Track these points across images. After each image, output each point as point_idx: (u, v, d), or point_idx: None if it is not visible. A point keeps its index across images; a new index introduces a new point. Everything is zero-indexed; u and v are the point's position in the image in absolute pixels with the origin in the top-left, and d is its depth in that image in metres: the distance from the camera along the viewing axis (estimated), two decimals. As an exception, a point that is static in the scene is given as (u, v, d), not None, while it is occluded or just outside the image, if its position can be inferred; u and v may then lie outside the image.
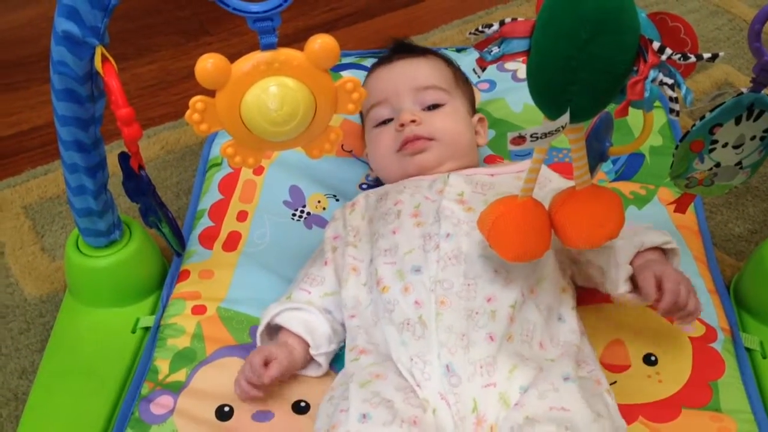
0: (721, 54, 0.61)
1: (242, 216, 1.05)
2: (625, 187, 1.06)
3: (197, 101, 0.68)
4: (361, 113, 1.08)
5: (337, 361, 0.89)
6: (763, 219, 1.07)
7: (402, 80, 1.00)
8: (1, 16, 1.58)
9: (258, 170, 1.10)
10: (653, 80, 0.62)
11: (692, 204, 1.03)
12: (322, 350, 0.85)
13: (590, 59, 0.61)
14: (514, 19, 0.66)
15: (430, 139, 0.95)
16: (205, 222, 1.04)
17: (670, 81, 0.62)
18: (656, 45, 0.62)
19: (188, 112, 0.68)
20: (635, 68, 0.62)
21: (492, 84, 1.24)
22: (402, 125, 0.96)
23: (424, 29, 1.46)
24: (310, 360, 0.87)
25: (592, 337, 0.87)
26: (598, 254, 0.84)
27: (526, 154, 1.07)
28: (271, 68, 0.67)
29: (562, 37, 0.61)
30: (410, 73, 1.01)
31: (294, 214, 1.06)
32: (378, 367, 0.79)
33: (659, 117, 1.16)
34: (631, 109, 0.66)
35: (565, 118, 0.64)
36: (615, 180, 1.08)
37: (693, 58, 0.61)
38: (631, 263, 0.80)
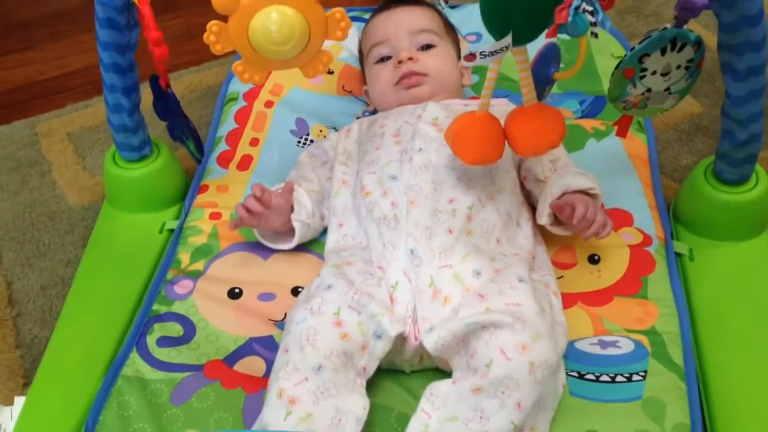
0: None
1: (254, 142, 1.22)
2: (588, 124, 1.21)
3: (213, 25, 0.85)
4: (360, 55, 1.25)
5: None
6: (710, 153, 1.20)
7: (400, 23, 1.15)
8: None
9: (268, 104, 1.26)
10: (576, 8, 0.77)
11: (646, 138, 1.19)
12: (300, 217, 1.02)
13: (526, -10, 0.76)
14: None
15: (425, 75, 1.11)
16: (222, 146, 1.21)
17: (590, 8, 0.77)
18: (579, -22, 0.77)
19: (206, 34, 0.85)
20: (562, -2, 0.78)
21: (479, 36, 1.40)
22: (400, 62, 1.11)
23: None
24: (284, 232, 1.04)
25: (546, 243, 1.03)
26: (536, 187, 1.02)
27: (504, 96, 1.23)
28: (273, -3, 0.83)
29: (504, -28, 0.77)
30: (407, 17, 1.16)
31: (299, 141, 1.22)
32: (352, 257, 0.96)
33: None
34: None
35: (508, 39, 0.79)
36: (580, 118, 1.23)
37: (607, -10, 0.77)
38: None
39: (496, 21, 0.80)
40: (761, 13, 0.83)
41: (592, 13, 0.77)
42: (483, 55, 0.81)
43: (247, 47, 0.86)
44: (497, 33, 0.80)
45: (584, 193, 0.97)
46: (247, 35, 0.85)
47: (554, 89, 1.28)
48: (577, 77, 1.27)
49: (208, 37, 0.85)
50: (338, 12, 0.86)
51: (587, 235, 0.95)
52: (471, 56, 0.81)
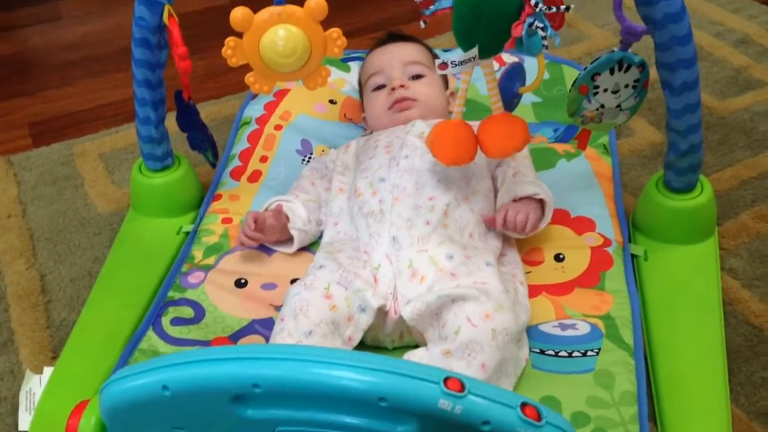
0: (572, 5, 0.92)
1: (264, 159, 1.37)
2: (560, 147, 1.36)
3: (230, 40, 1.01)
4: (360, 86, 1.41)
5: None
6: (669, 176, 1.35)
7: (394, 56, 1.31)
8: (85, 25, 2.00)
9: (277, 127, 1.42)
10: (530, 25, 0.93)
11: (611, 161, 1.33)
12: (296, 226, 1.17)
13: (490, 8, 0.92)
14: (442, -14, 0.98)
15: (414, 100, 1.27)
16: (235, 162, 1.37)
17: (542, 25, 0.93)
18: (533, 0, 0.93)
19: (223, 49, 1.01)
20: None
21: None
22: (393, 89, 1.27)
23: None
24: (285, 239, 1.18)
25: (518, 244, 1.16)
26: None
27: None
28: (281, 18, 0.99)
29: (471, -6, 0.93)
30: (400, 51, 1.33)
31: (303, 159, 1.38)
32: (342, 246, 1.10)
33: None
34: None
35: (474, 50, 0.95)
36: (553, 142, 1.38)
37: (555, 9, 0.92)
38: None
39: (466, 37, 0.95)
40: (690, 34, 0.98)
41: (543, 29, 0.92)
42: (454, 63, 0.96)
43: (257, 59, 1.02)
44: (466, 47, 0.96)
45: (531, 198, 1.11)
46: (258, 49, 1.01)
47: (532, 119, 1.44)
48: (552, 108, 1.44)
49: (226, 51, 1.01)
50: (335, 32, 1.02)
51: (516, 233, 1.10)
52: (443, 65, 0.96)
